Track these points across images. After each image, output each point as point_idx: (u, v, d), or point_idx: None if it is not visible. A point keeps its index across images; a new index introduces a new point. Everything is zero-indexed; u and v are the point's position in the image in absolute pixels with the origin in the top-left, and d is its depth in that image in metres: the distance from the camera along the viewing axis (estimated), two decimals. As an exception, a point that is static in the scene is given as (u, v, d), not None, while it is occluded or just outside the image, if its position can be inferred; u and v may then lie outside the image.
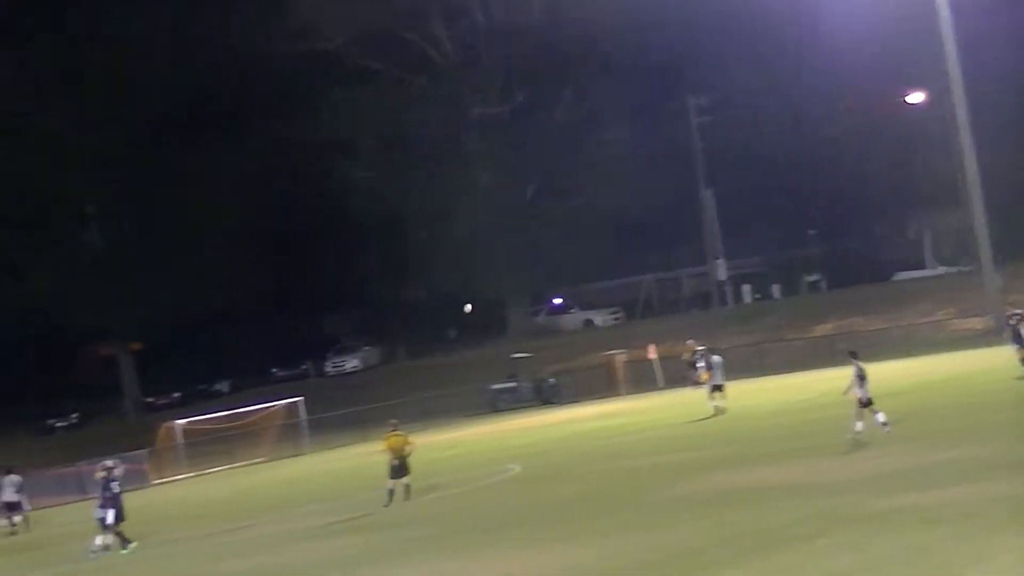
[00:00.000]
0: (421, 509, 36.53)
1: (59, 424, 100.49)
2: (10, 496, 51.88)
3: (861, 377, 35.56)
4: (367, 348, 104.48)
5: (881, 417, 35.47)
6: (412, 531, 32.19)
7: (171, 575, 31.68)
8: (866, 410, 35.30)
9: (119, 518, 37.48)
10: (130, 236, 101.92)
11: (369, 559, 28.72)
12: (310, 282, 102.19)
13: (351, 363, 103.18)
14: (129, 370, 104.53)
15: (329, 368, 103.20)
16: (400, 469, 38.54)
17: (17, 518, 51.08)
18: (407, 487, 38.33)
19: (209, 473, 68.70)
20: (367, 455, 50.12)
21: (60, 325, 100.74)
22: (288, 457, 71.12)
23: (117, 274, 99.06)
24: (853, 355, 36.63)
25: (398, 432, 39.52)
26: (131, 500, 41.64)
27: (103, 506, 37.73)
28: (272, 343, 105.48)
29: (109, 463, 57.41)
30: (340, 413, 76.84)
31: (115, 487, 37.99)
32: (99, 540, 37.13)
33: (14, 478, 53.38)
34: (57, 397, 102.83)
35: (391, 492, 38.14)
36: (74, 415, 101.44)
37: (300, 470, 61.82)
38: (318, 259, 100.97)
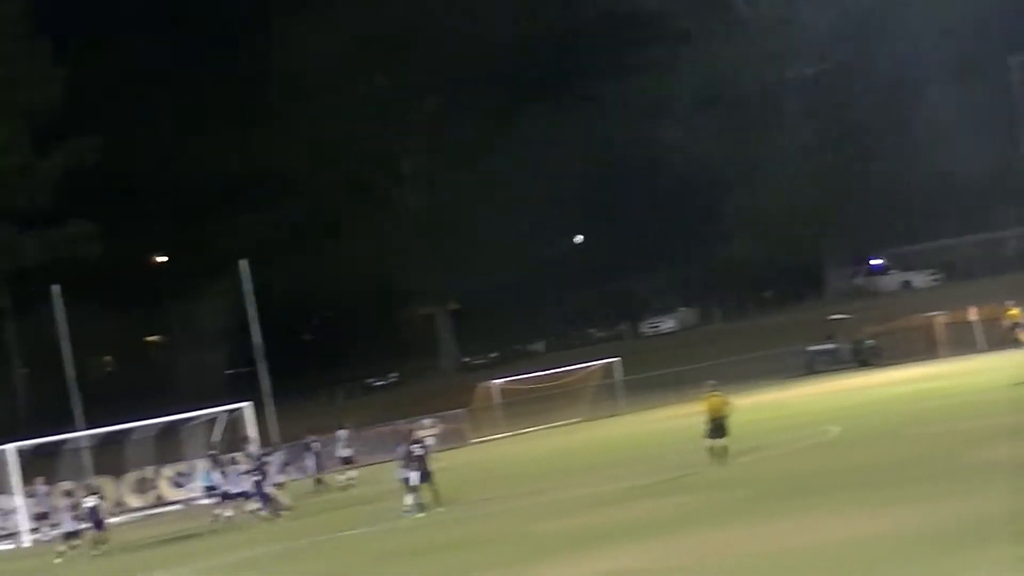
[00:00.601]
0: (738, 471, 36.28)
1: (378, 384, 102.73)
2: (343, 451, 53.60)
3: None
4: (683, 309, 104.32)
5: None
6: (728, 493, 31.99)
7: (487, 535, 32.03)
8: None
9: (423, 479, 38.11)
10: (447, 197, 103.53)
11: (685, 521, 28.62)
12: (626, 243, 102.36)
13: (667, 324, 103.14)
14: (447, 330, 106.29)
15: (645, 329, 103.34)
16: (718, 430, 38.33)
17: (352, 473, 52.53)
18: (724, 448, 38.11)
19: (525, 433, 69.38)
20: (683, 416, 50.01)
21: (379, 286, 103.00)
22: (604, 418, 71.38)
23: (435, 235, 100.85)
24: None
25: (717, 393, 39.29)
26: (449, 459, 42.49)
27: (406, 467, 38.51)
28: (588, 304, 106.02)
29: (427, 422, 58.86)
30: (656, 374, 76.76)
31: (418, 450, 38.66)
32: (409, 499, 37.88)
33: (344, 432, 55.14)
34: (376, 357, 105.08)
35: (714, 451, 37.96)
36: (393, 375, 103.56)
37: (616, 431, 61.97)
38: (634, 220, 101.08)
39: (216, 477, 49.21)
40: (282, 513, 44.42)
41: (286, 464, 50.05)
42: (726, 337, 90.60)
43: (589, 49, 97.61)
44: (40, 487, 51.32)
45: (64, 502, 44.55)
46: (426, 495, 38.03)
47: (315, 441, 54.86)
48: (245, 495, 45.08)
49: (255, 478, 44.71)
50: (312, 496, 50.56)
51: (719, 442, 38.10)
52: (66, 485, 55.16)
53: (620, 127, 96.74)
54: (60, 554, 41.94)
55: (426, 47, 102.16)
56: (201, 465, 53.14)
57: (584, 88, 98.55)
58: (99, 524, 42.44)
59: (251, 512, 44.31)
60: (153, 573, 35.11)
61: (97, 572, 37.58)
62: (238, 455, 49.95)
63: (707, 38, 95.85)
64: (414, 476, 38.07)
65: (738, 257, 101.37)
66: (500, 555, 28.07)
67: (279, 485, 47.46)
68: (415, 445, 39.02)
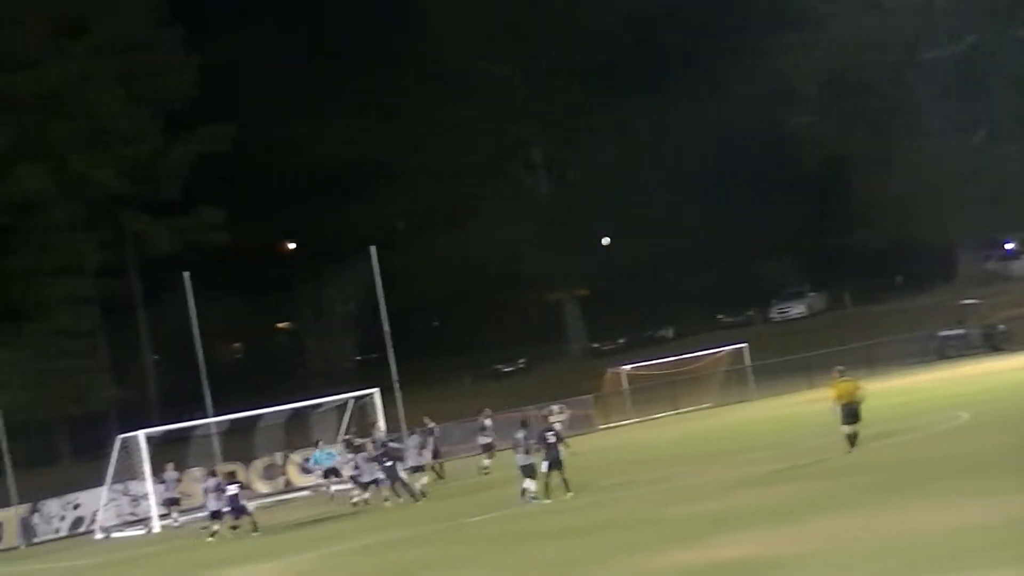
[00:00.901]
0: (869, 456, 35.84)
1: (506, 369, 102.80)
2: (484, 438, 53.57)
3: None
4: (812, 294, 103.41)
5: None
6: (859, 479, 31.60)
7: (616, 520, 31.88)
8: None
9: (553, 466, 37.92)
10: (576, 183, 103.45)
11: (814, 507, 28.32)
12: (754, 228, 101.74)
13: (796, 309, 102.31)
14: (575, 316, 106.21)
15: (774, 314, 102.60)
16: (852, 415, 37.80)
17: (487, 461, 52.45)
18: (855, 435, 37.61)
19: (654, 419, 69.15)
20: (813, 402, 49.56)
21: (508, 271, 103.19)
22: (733, 403, 71.03)
23: (564, 221, 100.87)
24: None
25: (847, 378, 38.77)
26: (577, 444, 42.33)
27: (526, 453, 38.37)
28: (717, 289, 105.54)
29: (555, 408, 58.82)
30: (785, 359, 76.23)
31: (550, 436, 38.48)
32: (532, 486, 37.76)
33: (488, 421, 55.14)
34: (505, 343, 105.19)
35: (849, 437, 37.41)
36: (521, 360, 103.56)
37: (745, 416, 61.60)
38: (765, 204, 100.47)
39: (336, 460, 49.74)
40: (419, 497, 44.55)
41: (422, 448, 49.89)
42: (856, 322, 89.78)
43: (719, 33, 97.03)
44: (170, 473, 51.86)
45: (208, 482, 44.98)
46: (554, 481, 37.86)
47: (430, 427, 54.45)
48: (376, 482, 45.24)
49: (387, 463, 44.87)
50: (436, 482, 50.52)
51: (852, 428, 37.55)
52: (196, 471, 55.95)
53: (751, 111, 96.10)
54: (212, 533, 42.40)
55: (555, 32, 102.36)
56: (325, 447, 53.29)
57: (714, 72, 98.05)
58: (241, 510, 42.94)
59: (386, 498, 44.47)
60: (280, 558, 35.33)
61: (233, 554, 37.88)
62: (366, 441, 50.20)
63: (838, 21, 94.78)
64: (543, 462, 37.91)
65: (869, 241, 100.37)
66: (630, 540, 27.91)
67: (417, 469, 47.68)
68: (548, 432, 38.85)
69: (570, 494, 37.40)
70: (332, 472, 51.99)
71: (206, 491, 44.56)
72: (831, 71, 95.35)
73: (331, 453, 52.85)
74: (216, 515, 43.20)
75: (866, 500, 28.11)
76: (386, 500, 44.50)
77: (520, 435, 39.31)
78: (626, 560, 25.31)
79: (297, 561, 34.17)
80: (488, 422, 55.36)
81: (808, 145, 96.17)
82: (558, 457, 37.93)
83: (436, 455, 52.64)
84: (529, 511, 36.38)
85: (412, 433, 51.23)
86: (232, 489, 43.03)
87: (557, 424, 47.52)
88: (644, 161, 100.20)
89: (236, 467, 55.47)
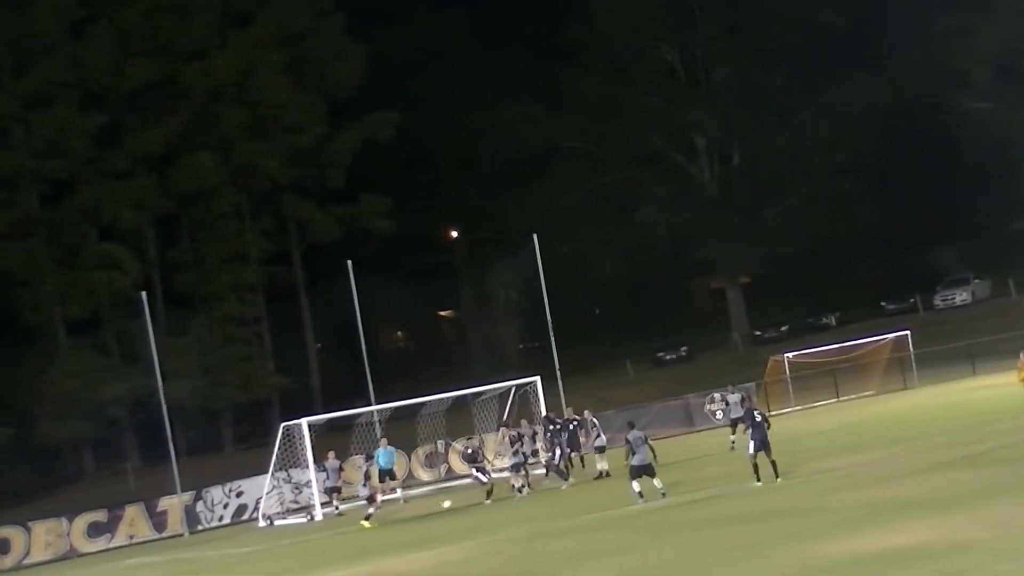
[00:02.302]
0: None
1: (668, 357, 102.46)
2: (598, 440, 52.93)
3: None
4: (977, 281, 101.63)
5: None
6: (1021, 467, 31.11)
7: (784, 507, 31.66)
8: None
9: (760, 448, 37.35)
10: (740, 169, 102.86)
11: (984, 494, 27.93)
12: (920, 214, 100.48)
13: (961, 296, 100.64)
14: (738, 303, 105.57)
15: (938, 301, 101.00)
16: None
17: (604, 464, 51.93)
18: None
19: (817, 406, 68.55)
20: (977, 389, 48.83)
21: (671, 259, 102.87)
22: (896, 391, 70.16)
23: (727, 208, 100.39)
24: None
25: None
26: (739, 433, 42.10)
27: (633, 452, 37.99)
28: (881, 276, 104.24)
29: (730, 389, 58.54)
30: (949, 347, 75.12)
31: (758, 415, 37.93)
32: (636, 487, 37.35)
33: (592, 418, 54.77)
34: (666, 331, 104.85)
35: None
36: (683, 348, 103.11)
37: (908, 404, 60.79)
38: (928, 191, 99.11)
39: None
40: (570, 483, 44.61)
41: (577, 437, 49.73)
42: (1021, 310, 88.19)
43: (886, 15, 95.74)
44: (331, 461, 52.21)
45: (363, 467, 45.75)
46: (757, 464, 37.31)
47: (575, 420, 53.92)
48: (517, 467, 45.41)
49: (553, 450, 45.11)
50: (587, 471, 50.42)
51: None
52: (358, 459, 56.46)
53: (918, 96, 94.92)
54: (367, 516, 42.85)
55: (717, 18, 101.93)
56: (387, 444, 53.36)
57: (881, 56, 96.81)
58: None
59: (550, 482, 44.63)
60: (439, 546, 35.56)
61: (393, 541, 38.19)
62: (523, 430, 50.23)
63: (1008, 3, 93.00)
64: (751, 445, 37.39)
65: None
66: (800, 528, 27.75)
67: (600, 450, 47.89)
68: (755, 411, 38.37)
69: (779, 479, 36.89)
70: (388, 474, 52.13)
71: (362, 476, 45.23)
72: (1000, 55, 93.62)
73: (391, 453, 52.85)
74: (371, 500, 43.73)
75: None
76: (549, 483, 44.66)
77: (630, 435, 38.58)
78: (798, 548, 25.15)
79: (456, 549, 34.36)
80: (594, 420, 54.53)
81: (975, 130, 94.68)
82: (765, 438, 37.34)
83: (575, 447, 51.97)
84: (693, 498, 36.20)
85: (573, 422, 51.04)
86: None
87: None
88: (809, 147, 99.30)
89: (398, 454, 55.96)
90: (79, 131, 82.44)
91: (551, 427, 49.65)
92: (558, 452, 47.32)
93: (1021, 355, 39.21)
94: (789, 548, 25.27)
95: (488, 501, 45.29)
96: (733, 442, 49.81)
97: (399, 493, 53.10)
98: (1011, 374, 45.28)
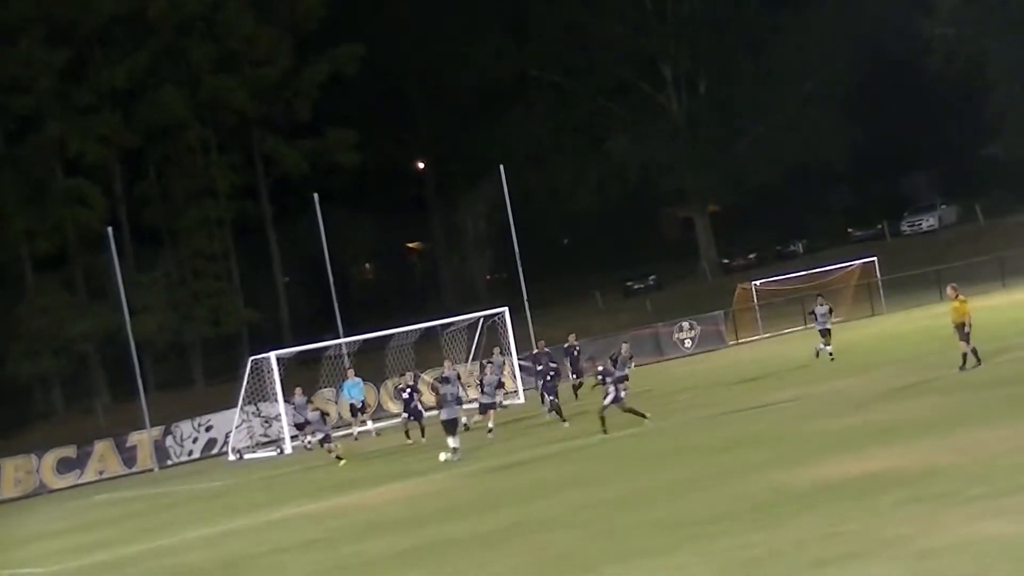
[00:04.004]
0: (1001, 371, 35.34)
1: (637, 286, 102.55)
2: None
3: None
4: (944, 207, 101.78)
5: None
6: (994, 392, 31.26)
7: (757, 435, 31.71)
8: None
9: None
10: (707, 99, 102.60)
11: (952, 420, 28.05)
12: (887, 141, 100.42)
13: (928, 222, 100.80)
14: (706, 232, 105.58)
15: (905, 227, 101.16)
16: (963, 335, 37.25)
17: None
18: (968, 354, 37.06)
19: (785, 334, 68.76)
20: (944, 315, 48.87)
21: (640, 189, 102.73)
22: (864, 318, 70.41)
23: (695, 137, 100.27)
24: None
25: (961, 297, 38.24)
26: (708, 361, 42.16)
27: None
28: (848, 203, 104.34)
29: (685, 325, 58.59)
30: (917, 273, 75.35)
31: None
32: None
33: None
34: (635, 260, 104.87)
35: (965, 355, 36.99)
36: (652, 277, 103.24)
37: (876, 331, 61.04)
38: (896, 118, 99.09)
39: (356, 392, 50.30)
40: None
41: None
42: (987, 235, 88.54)
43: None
44: (299, 398, 51.96)
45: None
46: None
47: (575, 345, 54.18)
48: (495, 406, 45.22)
49: (549, 378, 45.23)
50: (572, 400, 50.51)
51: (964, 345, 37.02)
52: (327, 392, 56.44)
53: (884, 23, 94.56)
54: (338, 458, 42.69)
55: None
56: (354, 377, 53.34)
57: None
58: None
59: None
60: (411, 479, 35.60)
61: (364, 476, 38.23)
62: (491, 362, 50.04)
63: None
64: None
65: (1001, 154, 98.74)
66: (773, 455, 27.84)
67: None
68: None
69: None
70: (358, 407, 52.11)
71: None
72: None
73: (360, 385, 52.78)
74: (326, 439, 43.61)
75: (1002, 413, 27.76)
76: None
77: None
78: (770, 476, 25.16)
79: (428, 481, 34.39)
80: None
81: (942, 56, 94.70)
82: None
83: (579, 374, 52.22)
84: (668, 427, 36.24)
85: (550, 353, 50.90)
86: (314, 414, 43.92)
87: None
88: (777, 76, 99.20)
89: (367, 387, 55.89)
90: (45, 66, 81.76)
91: (568, 357, 49.13)
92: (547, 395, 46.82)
93: (949, 288, 39.04)
94: (761, 476, 25.30)
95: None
96: (830, 353, 48.49)
97: (370, 425, 53.06)
98: (978, 299, 45.40)
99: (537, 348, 51.83)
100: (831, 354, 48.28)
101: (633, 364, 43.02)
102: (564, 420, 42.71)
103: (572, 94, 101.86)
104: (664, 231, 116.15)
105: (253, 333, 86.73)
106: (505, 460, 36.04)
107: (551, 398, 45.32)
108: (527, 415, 49.14)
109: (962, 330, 37.12)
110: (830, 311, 50.61)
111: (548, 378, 45.75)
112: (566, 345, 52.54)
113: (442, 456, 37.33)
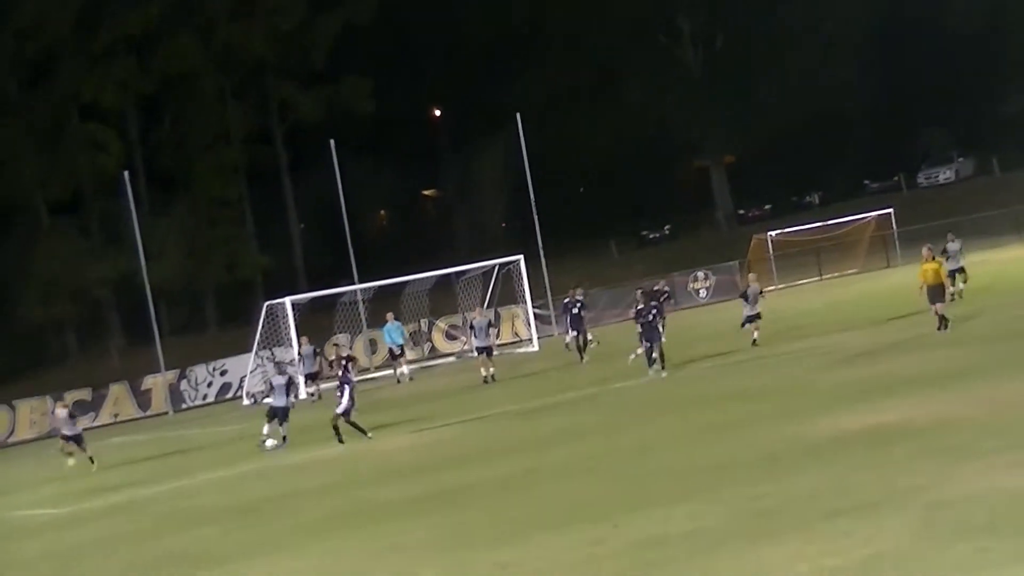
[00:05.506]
0: (1011, 325, 35.24)
1: (652, 236, 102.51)
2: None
3: None
4: (961, 160, 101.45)
5: None
6: (1008, 345, 31.21)
7: (768, 386, 31.74)
8: None
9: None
10: (724, 50, 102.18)
11: (967, 371, 28.02)
12: (904, 93, 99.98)
13: (944, 174, 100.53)
14: (721, 182, 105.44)
15: (921, 180, 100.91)
16: (938, 295, 36.90)
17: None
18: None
19: (799, 285, 68.71)
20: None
21: (655, 140, 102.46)
22: (879, 269, 70.31)
23: (712, 88, 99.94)
24: None
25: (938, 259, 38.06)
26: (723, 311, 42.16)
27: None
28: (864, 155, 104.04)
29: (700, 275, 58.56)
30: (932, 225, 75.04)
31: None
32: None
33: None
34: (651, 211, 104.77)
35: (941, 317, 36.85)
36: (667, 227, 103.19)
37: (891, 283, 60.87)
38: (914, 70, 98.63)
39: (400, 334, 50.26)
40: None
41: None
42: (1004, 187, 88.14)
43: None
44: (306, 347, 51.79)
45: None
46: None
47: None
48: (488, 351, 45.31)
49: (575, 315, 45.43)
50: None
51: (942, 306, 36.74)
52: (341, 338, 56.54)
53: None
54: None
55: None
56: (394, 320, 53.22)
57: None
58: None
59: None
60: (424, 426, 35.73)
61: (377, 421, 38.33)
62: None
63: None
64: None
65: (1019, 107, 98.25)
66: (786, 405, 27.87)
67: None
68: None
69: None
70: (398, 350, 52.06)
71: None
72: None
73: (400, 329, 52.65)
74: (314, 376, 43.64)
75: (1022, 367, 27.63)
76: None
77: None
78: (785, 424, 25.19)
79: (440, 429, 34.48)
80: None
81: (962, 9, 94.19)
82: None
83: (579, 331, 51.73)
84: (679, 377, 36.27)
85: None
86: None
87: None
88: (794, 28, 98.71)
89: (382, 333, 56.01)
90: (60, 12, 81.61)
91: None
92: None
93: (924, 249, 38.68)
94: (774, 426, 25.32)
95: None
96: (958, 292, 45.95)
97: (406, 370, 52.75)
98: (994, 252, 45.32)
99: (569, 296, 51.00)
100: (960, 293, 45.74)
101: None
102: (582, 358, 43.24)
103: (588, 44, 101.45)
104: (680, 181, 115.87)
105: (268, 279, 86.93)
106: (519, 407, 36.11)
107: (574, 334, 45.61)
108: (542, 363, 49.21)
109: (940, 291, 36.67)
110: (961, 248, 48.17)
111: (575, 312, 45.97)
112: (566, 300, 49.00)
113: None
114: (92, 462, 38.82)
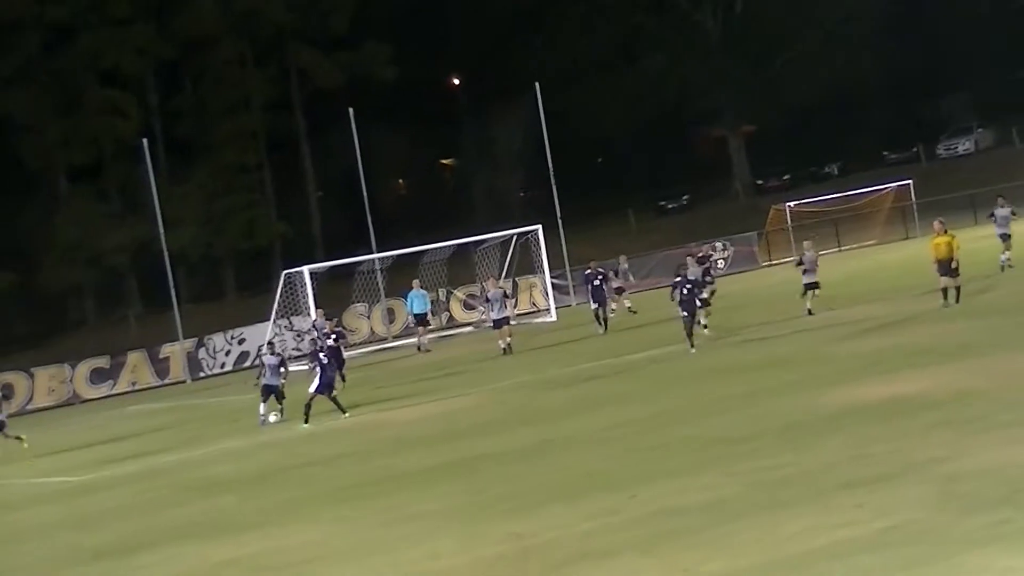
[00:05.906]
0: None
1: (670, 206, 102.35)
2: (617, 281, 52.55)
3: None
4: (981, 130, 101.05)
5: None
6: (1022, 318, 31.15)
7: (783, 357, 31.73)
8: None
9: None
10: (744, 18, 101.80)
11: (984, 343, 27.99)
12: (924, 63, 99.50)
13: (964, 145, 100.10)
14: (740, 152, 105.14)
15: (941, 151, 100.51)
16: (949, 270, 36.75)
17: (625, 303, 51.67)
18: (956, 289, 36.64)
19: (818, 256, 68.46)
20: (978, 239, 48.63)
21: (674, 107, 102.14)
22: (897, 240, 70.14)
23: (731, 56, 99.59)
24: None
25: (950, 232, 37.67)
26: (740, 282, 42.10)
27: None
28: (884, 125, 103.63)
29: (718, 245, 58.40)
30: (951, 196, 74.87)
31: None
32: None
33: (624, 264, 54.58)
34: (669, 180, 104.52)
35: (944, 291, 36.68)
36: (685, 197, 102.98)
37: (909, 254, 60.67)
38: (934, 40, 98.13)
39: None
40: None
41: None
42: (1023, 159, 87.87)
43: None
44: (320, 321, 51.54)
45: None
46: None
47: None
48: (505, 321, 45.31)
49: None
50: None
51: (952, 281, 36.48)
52: (359, 307, 56.56)
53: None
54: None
55: None
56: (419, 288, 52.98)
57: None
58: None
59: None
60: (442, 396, 35.77)
61: (397, 393, 38.37)
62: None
63: None
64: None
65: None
66: (802, 376, 27.89)
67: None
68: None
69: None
70: (421, 319, 51.96)
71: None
72: None
73: (424, 296, 52.34)
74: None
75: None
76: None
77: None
78: (801, 397, 25.21)
79: (457, 399, 34.50)
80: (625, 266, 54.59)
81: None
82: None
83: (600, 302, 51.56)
84: (696, 349, 36.24)
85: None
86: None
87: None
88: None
89: (398, 303, 56.02)
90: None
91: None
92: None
93: (936, 223, 38.25)
94: (791, 397, 25.33)
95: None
96: (1008, 260, 43.72)
97: (426, 339, 52.55)
98: (1014, 224, 45.06)
99: (590, 267, 50.45)
100: (1010, 262, 43.66)
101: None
102: (603, 329, 43.55)
103: (607, 11, 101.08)
104: (697, 150, 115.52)
105: (286, 246, 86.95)
106: (536, 377, 36.12)
107: (595, 306, 45.75)
108: (560, 333, 49.21)
109: (949, 265, 36.53)
110: (1012, 212, 45.91)
111: (596, 283, 45.97)
112: (587, 271, 48.92)
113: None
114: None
